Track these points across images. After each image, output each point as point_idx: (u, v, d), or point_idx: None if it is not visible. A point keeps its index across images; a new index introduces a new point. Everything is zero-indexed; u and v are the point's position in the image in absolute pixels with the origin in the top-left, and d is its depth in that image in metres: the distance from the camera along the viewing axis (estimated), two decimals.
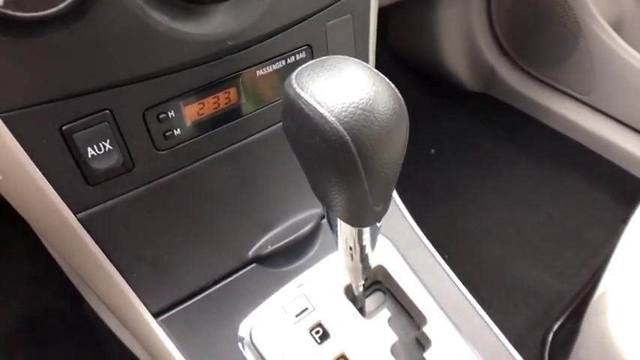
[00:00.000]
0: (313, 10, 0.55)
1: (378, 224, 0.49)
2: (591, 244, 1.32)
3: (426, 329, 0.65)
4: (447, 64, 1.52)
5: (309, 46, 0.57)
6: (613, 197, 1.36)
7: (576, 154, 1.40)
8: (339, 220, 0.48)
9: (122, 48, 0.44)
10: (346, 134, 0.35)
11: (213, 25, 0.48)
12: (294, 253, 0.70)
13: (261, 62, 0.55)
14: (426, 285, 0.68)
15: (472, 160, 1.53)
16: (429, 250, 0.74)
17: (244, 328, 0.64)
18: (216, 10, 0.49)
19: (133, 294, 0.59)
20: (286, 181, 0.64)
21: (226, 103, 0.54)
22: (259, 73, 0.55)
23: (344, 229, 0.49)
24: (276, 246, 0.67)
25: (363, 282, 0.60)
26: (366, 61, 0.65)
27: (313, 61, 0.39)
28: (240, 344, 0.63)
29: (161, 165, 0.53)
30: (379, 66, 0.52)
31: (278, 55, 0.55)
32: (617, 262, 0.79)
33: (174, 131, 0.52)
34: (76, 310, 1.07)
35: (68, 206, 0.49)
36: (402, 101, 0.39)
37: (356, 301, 0.65)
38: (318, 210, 0.70)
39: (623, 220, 0.84)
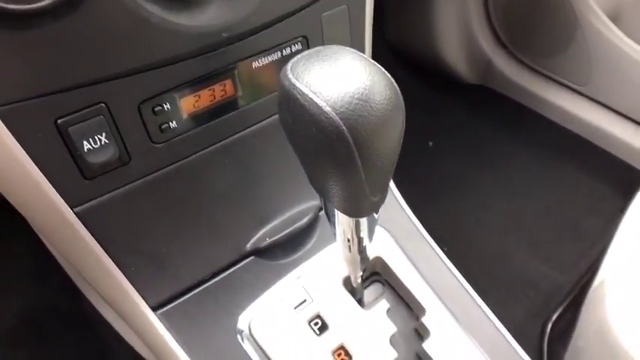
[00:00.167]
0: (308, 0, 0.55)
1: (375, 215, 0.49)
2: (589, 235, 1.32)
3: (424, 320, 0.65)
4: (444, 56, 1.51)
5: (304, 37, 0.57)
6: (610, 187, 1.36)
7: (574, 145, 1.40)
8: (336, 211, 0.48)
9: (116, 40, 0.44)
10: (342, 124, 0.35)
11: (208, 16, 0.48)
12: (292, 245, 0.70)
13: (257, 54, 0.54)
14: (425, 276, 0.69)
15: (470, 152, 1.52)
16: (427, 241, 0.74)
17: (243, 321, 0.64)
18: (211, 1, 0.48)
19: (132, 288, 0.59)
20: (283, 173, 0.64)
21: (222, 96, 0.54)
22: (255, 64, 0.55)
23: (341, 220, 0.49)
24: (274, 238, 0.67)
25: (361, 273, 0.60)
26: (362, 52, 0.65)
27: (308, 51, 0.39)
28: (239, 337, 0.63)
29: (157, 158, 0.53)
30: (376, 59, 0.51)
31: (273, 47, 0.55)
32: (614, 251, 0.79)
33: (170, 124, 0.51)
34: (76, 306, 1.07)
35: (65, 200, 0.49)
36: (398, 91, 0.39)
37: (354, 292, 0.65)
38: (315, 202, 0.70)
39: (621, 210, 0.84)
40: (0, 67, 0.40)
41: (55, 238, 0.55)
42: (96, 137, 0.47)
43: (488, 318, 0.69)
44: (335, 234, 0.52)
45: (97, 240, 0.53)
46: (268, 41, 0.55)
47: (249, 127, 0.58)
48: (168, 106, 0.50)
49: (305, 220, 0.69)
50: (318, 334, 0.63)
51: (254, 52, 0.54)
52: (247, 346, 0.62)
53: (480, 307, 0.70)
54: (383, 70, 0.38)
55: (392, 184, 0.78)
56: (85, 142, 0.47)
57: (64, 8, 0.40)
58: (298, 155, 0.42)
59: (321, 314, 0.64)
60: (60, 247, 0.57)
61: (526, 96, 1.49)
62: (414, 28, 1.53)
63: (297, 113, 0.37)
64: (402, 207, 0.77)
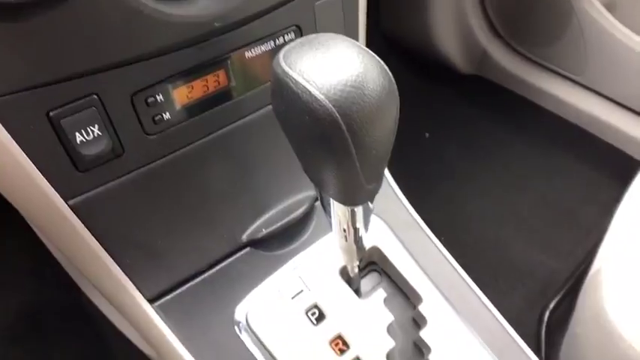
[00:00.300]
0: None
1: (370, 205, 0.49)
2: (586, 223, 1.32)
3: (421, 308, 0.65)
4: (440, 46, 1.51)
5: (297, 26, 0.57)
6: (607, 176, 1.37)
7: (570, 134, 1.40)
8: (332, 201, 0.47)
9: (108, 31, 0.44)
10: (335, 112, 0.35)
11: (199, 6, 0.48)
12: (288, 235, 0.70)
13: (249, 43, 0.54)
14: (421, 265, 0.69)
15: (466, 142, 1.52)
16: (424, 231, 0.74)
17: (240, 312, 0.64)
18: None
19: (128, 280, 0.59)
20: (278, 163, 0.64)
21: (215, 86, 0.53)
22: (248, 54, 0.54)
23: (337, 210, 0.49)
24: (270, 229, 0.67)
25: (357, 263, 0.61)
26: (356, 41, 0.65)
27: (301, 39, 0.39)
28: (236, 328, 0.63)
29: (151, 150, 0.52)
30: (370, 48, 0.51)
31: (266, 36, 0.55)
32: (610, 239, 0.79)
33: (164, 115, 0.51)
34: (74, 301, 1.07)
35: (59, 193, 0.49)
36: (392, 78, 0.39)
37: (351, 282, 0.65)
38: (311, 192, 0.70)
39: (617, 199, 0.84)
40: None
41: (50, 231, 0.55)
42: (89, 129, 0.47)
43: (486, 306, 0.69)
44: (331, 224, 0.52)
45: (91, 233, 0.53)
46: (261, 31, 0.54)
47: (243, 118, 0.58)
48: (161, 97, 0.50)
49: (301, 210, 0.69)
50: (315, 324, 0.63)
51: (247, 42, 0.54)
52: (245, 337, 0.63)
53: (477, 295, 0.70)
54: (376, 57, 0.38)
55: (388, 174, 0.78)
56: (77, 134, 0.46)
57: None
58: (292, 144, 0.42)
59: (318, 304, 0.64)
60: (55, 241, 0.57)
61: (522, 85, 1.49)
62: (409, 17, 1.52)
63: (290, 101, 0.36)
64: (398, 197, 0.77)
